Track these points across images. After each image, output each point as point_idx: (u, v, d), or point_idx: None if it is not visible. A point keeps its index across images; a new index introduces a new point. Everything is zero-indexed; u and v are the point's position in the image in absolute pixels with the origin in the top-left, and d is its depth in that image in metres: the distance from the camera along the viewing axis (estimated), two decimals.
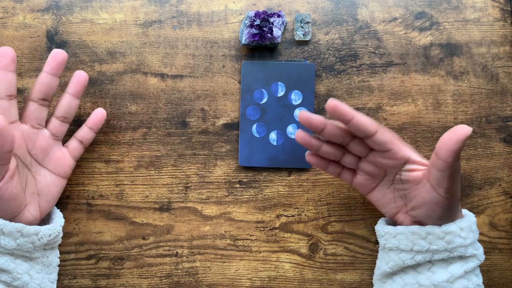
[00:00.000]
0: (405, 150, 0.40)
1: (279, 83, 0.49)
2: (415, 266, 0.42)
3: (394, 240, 0.42)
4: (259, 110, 0.49)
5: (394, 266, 0.42)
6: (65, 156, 0.45)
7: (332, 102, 0.38)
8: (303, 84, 0.49)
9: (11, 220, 0.40)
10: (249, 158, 0.49)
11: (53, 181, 0.44)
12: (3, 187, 0.39)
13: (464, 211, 0.43)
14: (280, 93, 0.49)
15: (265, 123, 0.49)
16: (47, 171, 0.44)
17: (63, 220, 0.45)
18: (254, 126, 0.49)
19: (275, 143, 0.49)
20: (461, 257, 0.41)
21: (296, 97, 0.49)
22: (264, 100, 0.49)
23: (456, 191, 0.39)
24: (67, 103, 0.44)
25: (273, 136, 0.49)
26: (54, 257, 0.45)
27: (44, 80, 0.42)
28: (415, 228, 0.41)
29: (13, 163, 0.40)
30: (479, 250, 0.41)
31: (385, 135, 0.39)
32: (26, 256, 0.41)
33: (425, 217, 0.41)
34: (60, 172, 0.45)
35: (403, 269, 0.42)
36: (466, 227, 0.40)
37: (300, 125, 0.49)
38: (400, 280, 0.42)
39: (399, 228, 0.42)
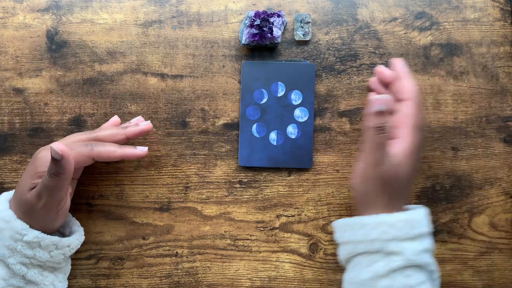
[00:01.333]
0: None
1: (279, 83, 0.49)
2: (348, 264, 0.43)
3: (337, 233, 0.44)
4: (259, 110, 0.49)
5: (343, 259, 0.44)
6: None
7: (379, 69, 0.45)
8: (303, 84, 0.49)
9: (44, 231, 0.41)
10: (249, 158, 0.49)
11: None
12: (66, 204, 0.42)
13: (414, 209, 0.42)
14: (280, 93, 0.49)
15: (265, 123, 0.49)
16: None
17: (82, 228, 0.47)
18: (254, 126, 0.49)
19: (275, 143, 0.49)
20: (387, 254, 0.39)
21: (296, 97, 0.49)
22: (264, 100, 0.49)
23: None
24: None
25: (273, 136, 0.49)
26: (70, 265, 0.46)
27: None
28: (348, 219, 0.42)
29: None
30: (408, 249, 0.39)
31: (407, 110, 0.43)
32: (53, 267, 0.43)
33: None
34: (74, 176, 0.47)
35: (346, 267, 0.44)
36: (384, 222, 0.40)
37: (299, 126, 0.49)
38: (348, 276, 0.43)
39: (338, 221, 0.44)
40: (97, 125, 0.50)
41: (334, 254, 0.50)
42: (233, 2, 0.51)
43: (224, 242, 0.50)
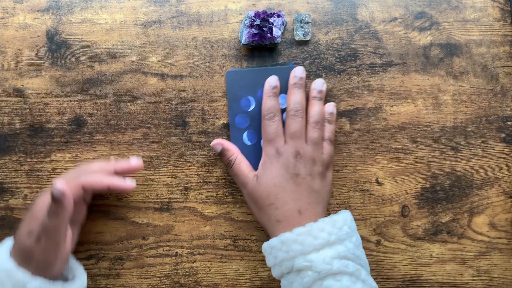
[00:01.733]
0: None
1: None
2: None
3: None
4: (248, 117, 0.49)
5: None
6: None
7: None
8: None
9: (46, 277, 0.40)
10: None
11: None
12: (67, 249, 0.42)
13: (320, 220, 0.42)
14: None
15: (255, 130, 0.49)
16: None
17: (85, 272, 0.46)
18: (245, 134, 0.49)
19: None
20: (298, 271, 0.39)
21: (283, 101, 0.48)
22: (252, 107, 0.49)
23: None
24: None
25: None
26: None
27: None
28: (264, 245, 0.43)
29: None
30: (316, 261, 0.38)
31: None
32: None
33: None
34: (76, 222, 0.46)
35: None
36: (286, 239, 0.40)
37: None
38: None
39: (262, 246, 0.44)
40: (97, 125, 0.50)
41: None
42: (233, 2, 0.51)
43: (224, 242, 0.50)
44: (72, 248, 0.45)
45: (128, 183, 0.44)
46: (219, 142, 0.46)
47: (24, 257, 0.40)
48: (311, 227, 0.40)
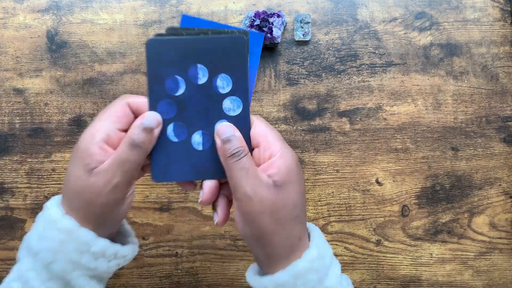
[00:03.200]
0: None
1: (199, 65, 0.35)
2: None
3: None
4: (175, 104, 0.35)
5: None
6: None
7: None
8: (231, 64, 0.36)
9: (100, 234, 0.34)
10: (166, 171, 0.35)
11: None
12: (130, 201, 0.34)
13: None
14: (202, 79, 0.36)
15: (184, 122, 0.36)
16: None
17: (137, 239, 0.38)
18: (170, 127, 0.35)
19: (200, 148, 0.36)
20: None
21: (223, 83, 0.36)
22: (181, 91, 0.35)
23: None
24: None
25: (197, 138, 0.36)
26: None
27: None
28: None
29: None
30: (330, 280, 0.33)
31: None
32: (103, 277, 0.35)
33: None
34: None
35: None
36: (300, 271, 0.32)
37: (231, 122, 0.35)
38: None
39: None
40: None
41: (334, 254, 0.49)
42: (233, 2, 0.51)
43: (224, 242, 0.50)
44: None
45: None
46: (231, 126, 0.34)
47: (85, 202, 0.32)
48: (317, 246, 0.33)
